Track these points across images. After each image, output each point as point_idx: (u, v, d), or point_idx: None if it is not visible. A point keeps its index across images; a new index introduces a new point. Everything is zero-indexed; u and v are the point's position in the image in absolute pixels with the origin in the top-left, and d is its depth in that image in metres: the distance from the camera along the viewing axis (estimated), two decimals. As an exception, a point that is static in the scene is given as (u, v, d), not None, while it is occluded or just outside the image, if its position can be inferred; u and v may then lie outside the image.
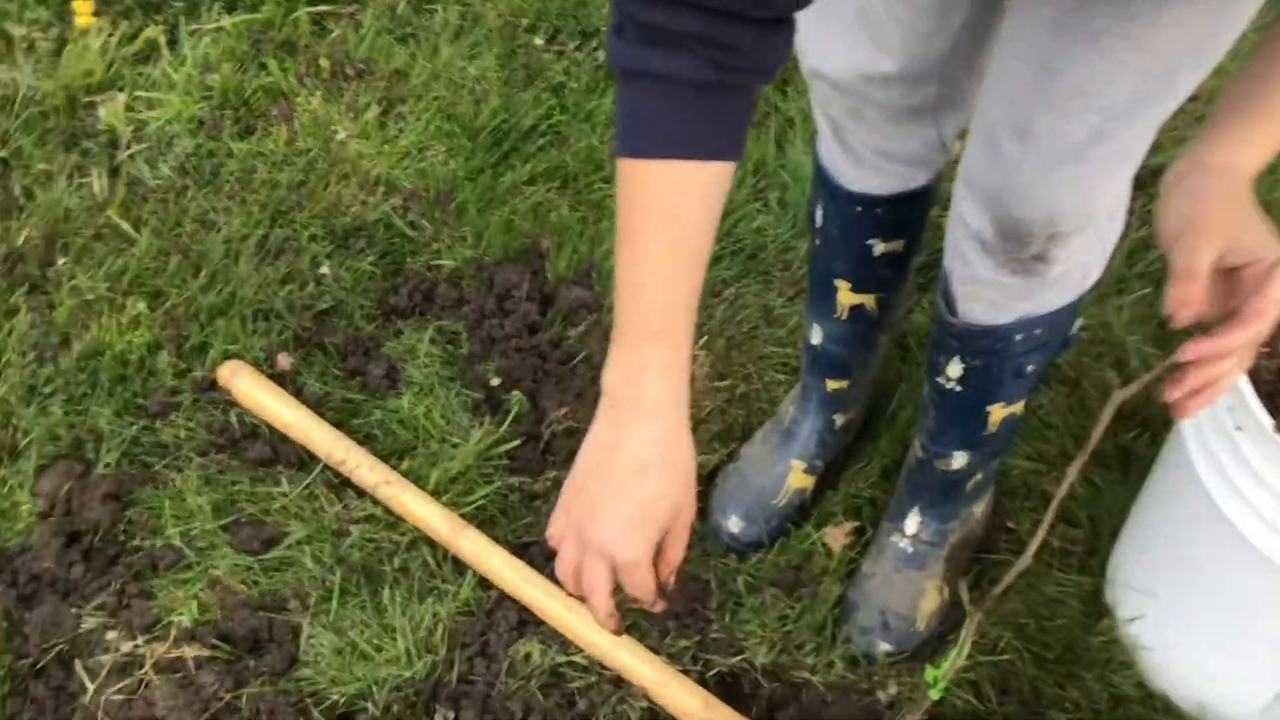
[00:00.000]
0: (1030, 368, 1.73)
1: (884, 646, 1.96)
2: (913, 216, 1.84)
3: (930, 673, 1.46)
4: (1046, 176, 1.42)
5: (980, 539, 2.07)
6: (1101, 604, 2.02)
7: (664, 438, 1.19)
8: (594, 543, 1.19)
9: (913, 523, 2.01)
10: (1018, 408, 1.82)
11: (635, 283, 1.16)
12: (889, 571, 2.01)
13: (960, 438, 1.87)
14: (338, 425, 2.18)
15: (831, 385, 2.08)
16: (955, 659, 1.43)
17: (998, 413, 1.81)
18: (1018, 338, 1.66)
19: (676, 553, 1.24)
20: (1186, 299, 1.10)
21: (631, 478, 1.18)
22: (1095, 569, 2.06)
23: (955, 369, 1.75)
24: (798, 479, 2.13)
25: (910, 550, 2.00)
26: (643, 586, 1.21)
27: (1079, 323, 1.81)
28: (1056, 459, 2.17)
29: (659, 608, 1.25)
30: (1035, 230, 1.48)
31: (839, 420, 2.14)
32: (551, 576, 1.98)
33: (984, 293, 1.63)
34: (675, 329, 1.17)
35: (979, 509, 2.04)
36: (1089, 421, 2.22)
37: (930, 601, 1.98)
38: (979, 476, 1.95)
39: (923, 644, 1.97)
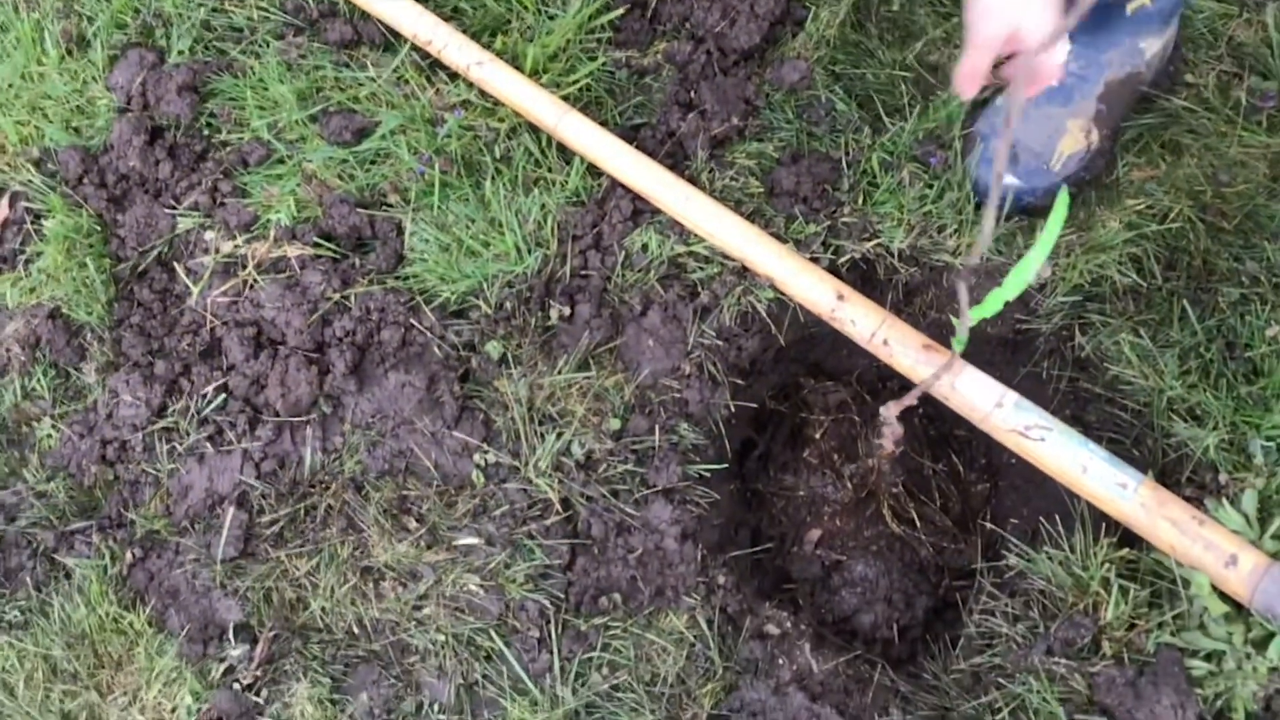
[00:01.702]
0: None
1: (1010, 180, 1.76)
2: None
3: (957, 324, 1.29)
4: None
5: (1148, 83, 1.80)
6: (1290, 167, 1.77)
7: None
8: None
9: (1060, 50, 1.74)
10: None
11: None
12: (1027, 104, 1.78)
13: None
14: (421, -1, 1.96)
15: None
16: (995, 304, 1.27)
17: None
18: None
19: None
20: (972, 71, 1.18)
21: None
22: (1287, 128, 1.79)
23: None
24: None
25: (1055, 82, 1.75)
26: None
27: None
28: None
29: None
30: None
31: None
32: (665, 160, 1.82)
33: None
34: None
35: (1148, 46, 1.74)
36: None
37: (1071, 143, 1.75)
38: (1144, 1, 1.65)
39: (1054, 187, 1.76)
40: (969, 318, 1.47)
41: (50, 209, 1.89)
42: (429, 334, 1.79)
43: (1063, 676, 1.55)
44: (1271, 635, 1.48)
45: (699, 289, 1.78)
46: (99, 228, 1.90)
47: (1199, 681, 1.49)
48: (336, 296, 1.80)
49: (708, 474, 1.77)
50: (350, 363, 1.76)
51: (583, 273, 1.80)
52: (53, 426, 1.82)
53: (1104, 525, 1.63)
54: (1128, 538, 1.61)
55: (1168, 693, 1.47)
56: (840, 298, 1.70)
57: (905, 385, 1.73)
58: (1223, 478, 1.57)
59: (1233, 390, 1.61)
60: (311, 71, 1.94)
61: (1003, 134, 1.19)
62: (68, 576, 1.78)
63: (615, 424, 1.75)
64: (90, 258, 1.86)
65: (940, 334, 1.81)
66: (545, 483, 1.71)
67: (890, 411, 1.84)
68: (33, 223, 1.91)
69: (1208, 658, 1.50)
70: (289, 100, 1.91)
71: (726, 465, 1.84)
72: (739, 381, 1.83)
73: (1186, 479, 1.60)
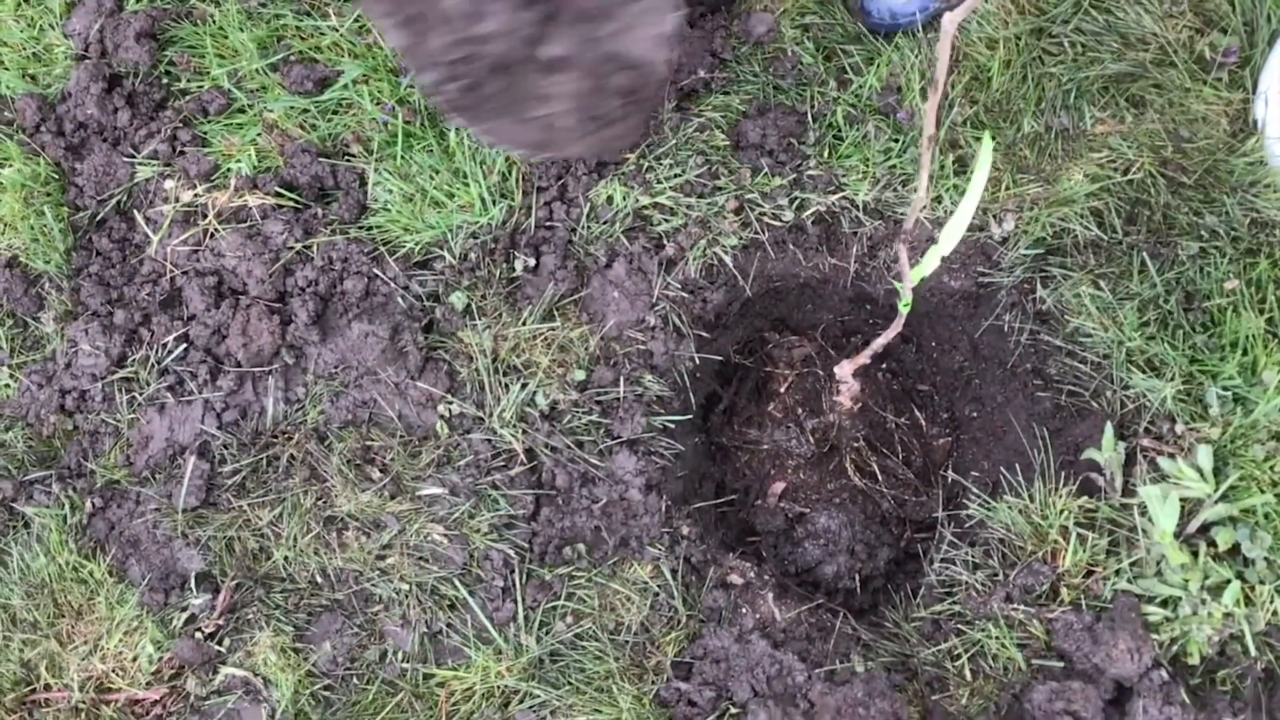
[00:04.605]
0: None
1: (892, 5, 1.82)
2: None
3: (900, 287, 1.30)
4: None
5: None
6: (1250, 122, 1.78)
7: None
8: None
9: None
10: None
11: None
12: None
13: None
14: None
15: None
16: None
17: None
18: None
19: None
20: None
21: None
22: (1248, 83, 1.80)
23: None
24: None
25: None
26: None
27: None
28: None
29: None
30: None
31: None
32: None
33: None
34: None
35: None
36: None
37: None
38: None
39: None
40: (911, 279, 1.48)
41: (7, 157, 1.86)
42: (393, 284, 1.78)
43: (1021, 622, 1.57)
44: (1227, 581, 1.50)
45: (664, 241, 1.78)
46: (57, 176, 1.87)
47: (1155, 627, 1.52)
48: (299, 246, 1.79)
49: (672, 426, 1.78)
50: (313, 313, 1.75)
51: (548, 224, 1.80)
52: (10, 376, 1.79)
53: (1063, 475, 1.65)
54: (1086, 487, 1.63)
55: (1124, 637, 1.49)
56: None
57: (866, 341, 1.74)
58: (1179, 428, 1.59)
59: (1190, 341, 1.63)
60: (272, 20, 1.91)
61: (931, 96, 1.18)
62: (26, 526, 1.76)
63: (580, 375, 1.75)
64: (48, 206, 1.84)
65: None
66: (510, 433, 1.71)
67: (845, 370, 1.86)
68: (-12, 170, 1.88)
69: (1164, 603, 1.53)
70: (249, 49, 1.88)
71: (691, 417, 1.85)
72: (704, 334, 1.83)
73: (1144, 429, 1.62)
